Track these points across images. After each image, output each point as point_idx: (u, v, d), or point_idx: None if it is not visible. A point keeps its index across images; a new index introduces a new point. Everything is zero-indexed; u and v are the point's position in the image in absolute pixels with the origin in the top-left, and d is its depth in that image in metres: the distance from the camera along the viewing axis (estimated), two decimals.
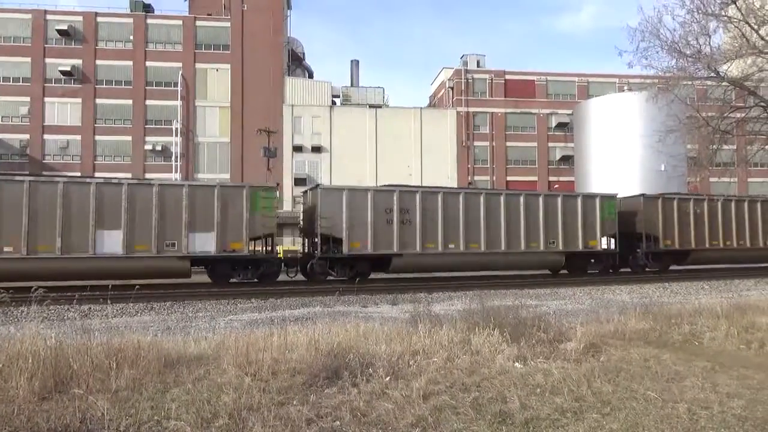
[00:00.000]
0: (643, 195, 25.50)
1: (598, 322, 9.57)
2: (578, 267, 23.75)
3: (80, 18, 48.23)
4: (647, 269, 24.93)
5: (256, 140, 44.54)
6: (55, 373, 5.64)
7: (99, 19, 48.49)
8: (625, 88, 51.38)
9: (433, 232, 20.44)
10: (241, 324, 11.11)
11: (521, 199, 21.97)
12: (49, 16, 47.66)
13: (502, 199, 21.66)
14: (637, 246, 24.59)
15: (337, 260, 19.86)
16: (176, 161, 47.49)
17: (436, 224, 20.48)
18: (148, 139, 47.77)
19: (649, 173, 40.03)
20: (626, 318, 9.86)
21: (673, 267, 26.00)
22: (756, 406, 5.36)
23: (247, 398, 5.16)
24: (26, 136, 46.65)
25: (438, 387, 5.75)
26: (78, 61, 47.35)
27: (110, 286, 11.60)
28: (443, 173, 50.17)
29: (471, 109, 53.24)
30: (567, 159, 53.05)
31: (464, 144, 52.60)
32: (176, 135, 47.74)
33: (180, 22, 49.53)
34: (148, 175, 43.80)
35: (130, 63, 48.29)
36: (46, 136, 46.83)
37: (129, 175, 41.90)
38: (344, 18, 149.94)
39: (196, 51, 49.22)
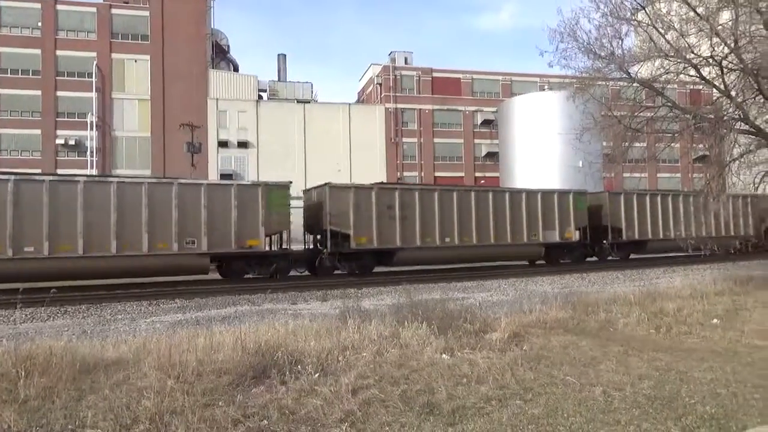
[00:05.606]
0: (328, 184, 20.42)
1: (521, 313, 9.92)
2: (235, 272, 19.34)
3: None
4: (337, 272, 20.67)
5: (179, 135, 42.91)
6: None
7: (2, 3, 44.98)
8: (546, 87, 53.48)
9: (71, 232, 16.32)
10: (164, 325, 10.69)
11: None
12: None
13: (143, 189, 17.35)
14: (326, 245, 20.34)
15: None
16: (92, 156, 44.99)
17: (74, 222, 16.32)
18: (59, 132, 44.89)
19: (569, 169, 41.81)
20: (548, 308, 10.26)
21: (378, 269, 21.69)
22: (664, 386, 5.76)
23: (170, 401, 4.98)
24: None
25: (367, 381, 5.78)
26: None
27: (20, 290, 10.82)
28: (373, 169, 50.32)
29: (399, 106, 53.71)
30: (492, 155, 54.59)
31: (393, 140, 53.04)
32: (91, 129, 45.19)
33: (93, 10, 46.80)
34: (60, 171, 41.27)
35: (39, 51, 45.12)
36: None
37: (39, 171, 39.35)
38: (270, 11, 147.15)
39: (112, 40, 46.69)
